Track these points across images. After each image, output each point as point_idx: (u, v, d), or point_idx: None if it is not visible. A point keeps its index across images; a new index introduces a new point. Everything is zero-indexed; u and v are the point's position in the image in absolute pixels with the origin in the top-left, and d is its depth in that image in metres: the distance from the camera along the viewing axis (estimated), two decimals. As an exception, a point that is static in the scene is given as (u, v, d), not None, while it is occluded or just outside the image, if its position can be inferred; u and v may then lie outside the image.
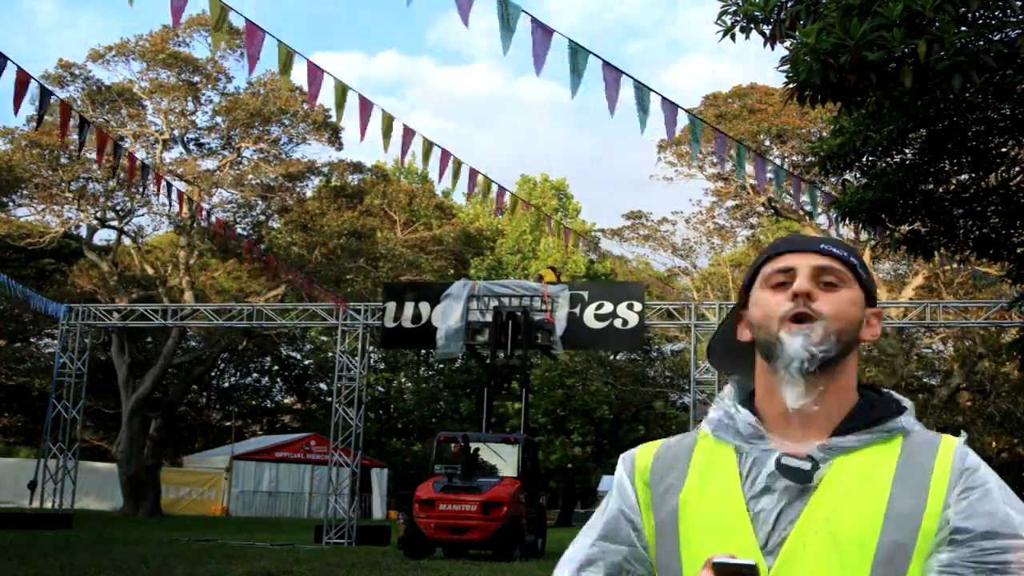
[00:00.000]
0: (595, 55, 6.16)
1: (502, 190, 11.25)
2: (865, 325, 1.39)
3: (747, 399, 1.43)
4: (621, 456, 1.53)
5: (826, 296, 1.34)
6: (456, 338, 19.13)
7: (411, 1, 5.92)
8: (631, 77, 6.35)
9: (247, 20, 7.27)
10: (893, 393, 1.41)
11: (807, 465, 1.29)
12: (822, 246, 1.38)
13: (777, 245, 1.44)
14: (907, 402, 1.39)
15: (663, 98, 6.49)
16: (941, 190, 8.53)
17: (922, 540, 1.24)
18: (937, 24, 5.34)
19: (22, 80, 7.49)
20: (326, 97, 7.71)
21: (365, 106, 7.89)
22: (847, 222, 9.01)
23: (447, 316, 19.23)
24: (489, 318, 18.72)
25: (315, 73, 7.43)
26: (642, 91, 6.39)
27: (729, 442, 1.39)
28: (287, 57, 7.12)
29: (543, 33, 6.03)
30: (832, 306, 1.34)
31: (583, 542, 1.47)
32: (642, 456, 1.49)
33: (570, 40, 6.18)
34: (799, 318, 1.33)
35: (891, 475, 1.29)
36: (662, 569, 1.39)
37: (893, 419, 1.35)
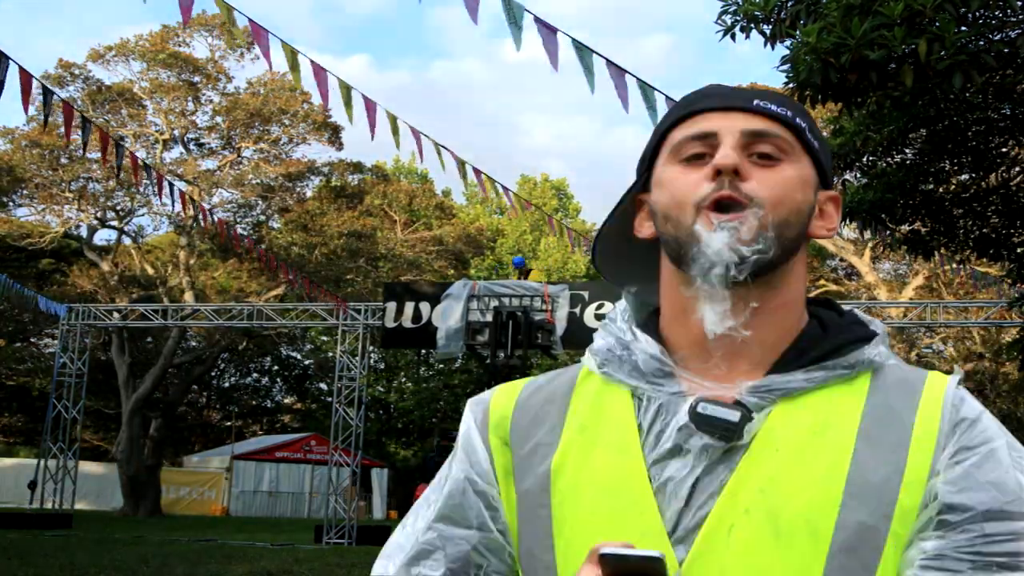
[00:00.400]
0: (599, 54, 6.20)
1: (506, 190, 11.29)
2: (817, 215, 1.01)
3: (649, 321, 1.05)
4: (469, 402, 1.11)
5: (762, 174, 0.95)
6: (456, 338, 19.17)
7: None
8: (635, 76, 6.37)
9: (251, 21, 7.32)
10: (859, 313, 1.03)
11: (735, 415, 0.92)
12: (756, 102, 0.97)
13: (692, 100, 1.02)
14: (878, 325, 1.01)
15: (666, 96, 6.52)
16: (941, 190, 8.54)
17: (899, 521, 0.88)
18: (938, 24, 5.35)
19: (26, 79, 7.51)
20: (333, 97, 7.77)
21: (371, 107, 7.92)
22: (847, 222, 9.02)
23: (447, 316, 19.26)
24: (489, 318, 18.75)
25: (320, 73, 7.46)
26: (646, 89, 6.42)
27: (623, 382, 1.01)
28: (293, 57, 7.16)
29: (548, 31, 6.07)
30: (770, 188, 0.94)
31: (416, 525, 1.06)
32: (499, 401, 1.08)
33: (573, 39, 6.20)
34: (723, 205, 0.94)
35: (854, 428, 0.92)
36: (527, 560, 1.00)
37: (857, 349, 0.96)
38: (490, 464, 1.03)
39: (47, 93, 8.42)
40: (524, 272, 20.63)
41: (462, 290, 19.42)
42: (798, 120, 0.98)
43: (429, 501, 1.07)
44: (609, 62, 6.31)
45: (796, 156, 0.97)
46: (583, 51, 6.17)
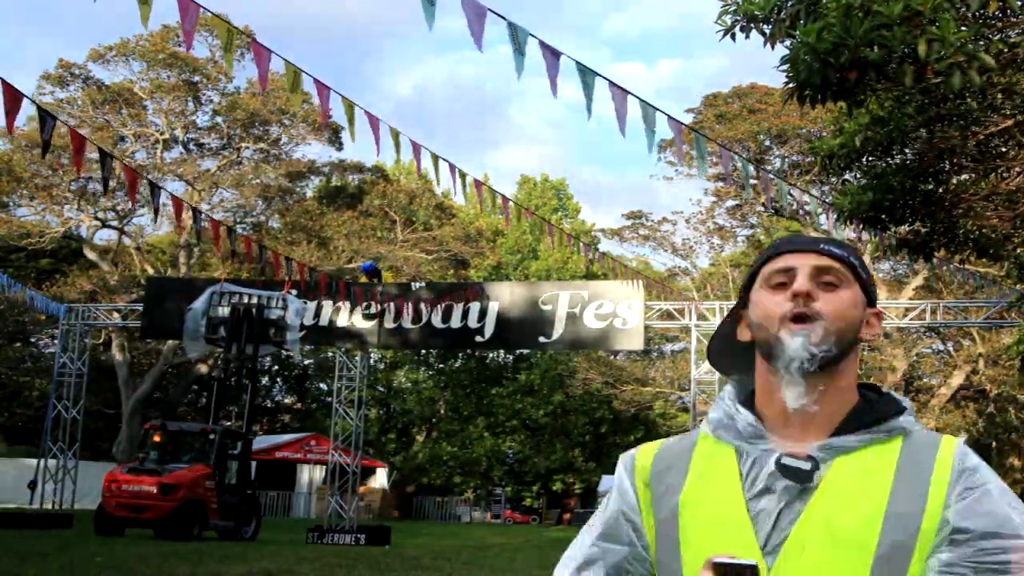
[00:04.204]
0: (601, 76, 6.20)
1: (505, 200, 11.33)
2: (865, 325, 1.39)
3: (747, 399, 1.42)
4: (621, 456, 1.52)
5: (826, 296, 1.33)
6: (198, 333, 19.73)
7: (431, 28, 5.92)
8: (637, 97, 6.37)
9: (253, 41, 7.34)
10: (893, 393, 1.40)
11: (807, 465, 1.29)
12: (822, 246, 1.37)
13: (777, 245, 1.43)
14: (907, 402, 1.38)
15: (669, 116, 6.55)
16: (941, 190, 8.53)
17: (922, 540, 1.24)
18: (937, 24, 5.34)
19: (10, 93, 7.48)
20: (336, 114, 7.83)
21: (375, 123, 7.96)
22: (848, 224, 9.01)
23: (195, 310, 19.75)
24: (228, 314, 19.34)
25: (322, 91, 7.48)
26: (648, 110, 6.44)
27: (729, 442, 1.38)
28: (295, 76, 7.18)
29: (552, 55, 6.07)
30: (832, 306, 1.33)
31: (583, 541, 1.46)
32: (642, 456, 1.48)
33: (577, 62, 6.21)
34: (799, 318, 1.32)
35: (891, 475, 1.28)
36: (662, 568, 1.38)
37: (893, 419, 1.34)
38: (636, 500, 1.44)
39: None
40: (375, 274, 21.00)
41: (210, 288, 20.10)
42: (852, 259, 1.38)
43: (593, 525, 1.46)
44: (612, 83, 6.31)
45: (850, 284, 1.36)
46: (586, 73, 6.17)
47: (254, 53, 7.25)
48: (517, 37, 5.92)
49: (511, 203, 11.76)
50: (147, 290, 22.84)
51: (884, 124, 7.64)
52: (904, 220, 8.62)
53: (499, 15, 6.02)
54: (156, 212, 11.79)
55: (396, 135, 8.42)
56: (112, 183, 28.48)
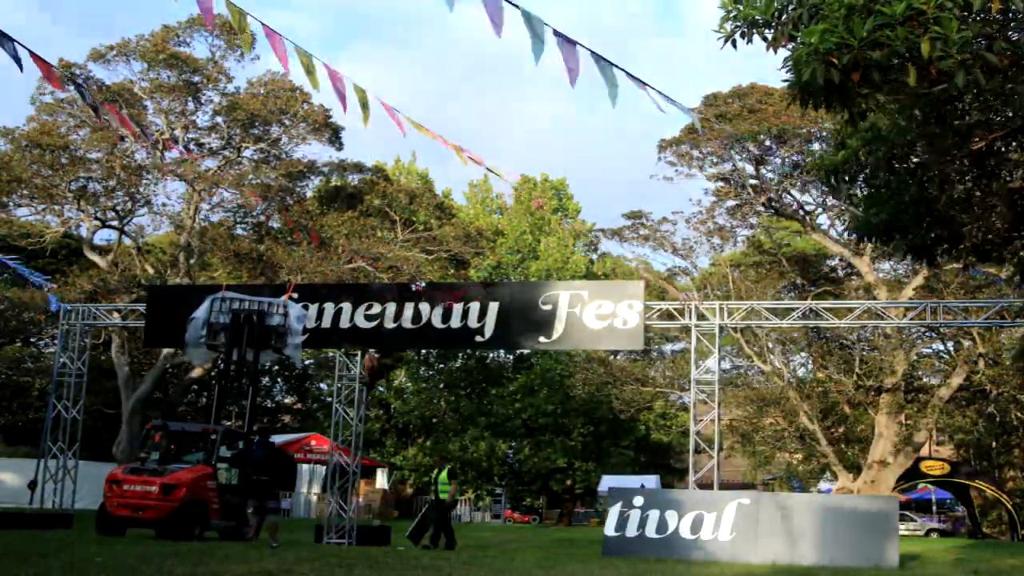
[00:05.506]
0: (619, 67, 6.16)
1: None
2: None
3: None
4: None
5: None
6: (200, 340, 19.69)
7: (453, 8, 5.88)
8: (654, 88, 6.34)
9: (265, 26, 7.32)
10: None
11: None
12: None
13: None
14: None
15: (682, 107, 6.53)
16: (944, 197, 8.50)
17: None
18: (940, 23, 5.32)
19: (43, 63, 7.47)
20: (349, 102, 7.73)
21: (390, 112, 7.93)
22: (864, 241, 8.99)
23: (197, 319, 19.70)
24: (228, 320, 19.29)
25: (336, 77, 7.44)
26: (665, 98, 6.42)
27: None
28: (309, 62, 7.15)
29: (568, 46, 6.04)
30: None
31: None
32: None
33: (593, 52, 6.18)
34: None
35: None
36: None
37: None
38: None
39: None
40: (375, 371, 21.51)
41: (212, 296, 20.06)
42: None
43: None
44: (629, 75, 6.28)
45: None
46: (603, 64, 6.14)
47: (268, 38, 7.24)
48: (534, 26, 5.90)
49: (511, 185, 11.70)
50: (149, 299, 22.48)
51: (886, 140, 7.61)
52: (916, 236, 8.58)
53: (514, 4, 5.99)
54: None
55: (416, 126, 8.36)
56: (111, 182, 28.41)
